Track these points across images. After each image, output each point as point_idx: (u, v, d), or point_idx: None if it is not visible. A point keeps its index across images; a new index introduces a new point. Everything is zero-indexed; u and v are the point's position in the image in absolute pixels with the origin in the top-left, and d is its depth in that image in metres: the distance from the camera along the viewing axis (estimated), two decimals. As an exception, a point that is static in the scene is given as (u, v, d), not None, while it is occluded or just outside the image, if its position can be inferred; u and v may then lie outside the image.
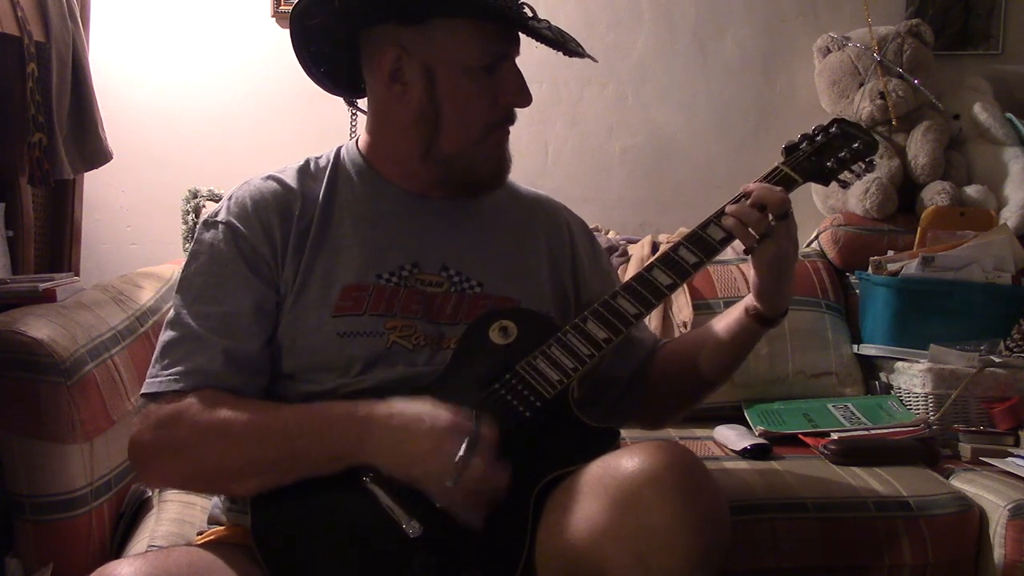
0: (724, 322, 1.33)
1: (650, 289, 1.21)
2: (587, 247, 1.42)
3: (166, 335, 1.18)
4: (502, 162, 1.27)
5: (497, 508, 1.06)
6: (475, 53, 1.19)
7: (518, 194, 1.39)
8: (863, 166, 1.35)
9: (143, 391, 1.17)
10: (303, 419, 1.09)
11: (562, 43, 1.24)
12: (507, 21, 1.18)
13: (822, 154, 1.35)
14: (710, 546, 0.98)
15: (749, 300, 1.29)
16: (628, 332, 1.20)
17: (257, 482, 1.10)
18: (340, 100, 2.12)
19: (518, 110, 1.25)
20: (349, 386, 1.18)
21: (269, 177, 1.28)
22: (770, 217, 1.22)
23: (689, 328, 2.02)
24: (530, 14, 1.21)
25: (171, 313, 1.20)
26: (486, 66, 1.20)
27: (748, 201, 1.24)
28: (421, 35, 1.19)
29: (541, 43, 1.23)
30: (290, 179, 1.28)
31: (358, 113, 1.35)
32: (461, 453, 1.02)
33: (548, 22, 1.26)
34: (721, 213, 1.27)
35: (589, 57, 1.28)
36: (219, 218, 1.23)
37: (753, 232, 1.23)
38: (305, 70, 1.31)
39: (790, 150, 1.36)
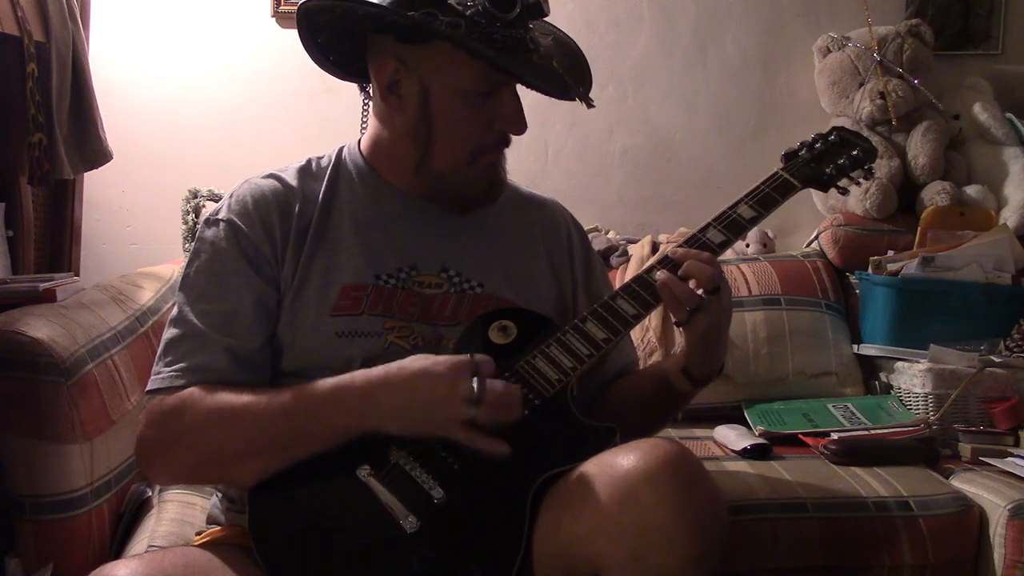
0: (663, 374, 1.30)
1: (649, 291, 1.21)
2: (582, 255, 1.41)
3: (169, 333, 1.19)
4: (494, 183, 1.27)
5: (496, 512, 1.06)
6: (472, 79, 1.19)
7: (519, 195, 1.39)
8: (862, 173, 1.35)
9: (147, 388, 1.17)
10: (301, 395, 1.10)
11: (561, 87, 1.21)
12: (496, 63, 1.15)
13: (821, 161, 1.35)
14: (707, 544, 0.98)
15: (680, 359, 1.26)
16: (627, 333, 1.19)
17: (259, 463, 1.10)
18: (341, 100, 2.14)
19: (521, 134, 1.24)
20: None
21: (270, 175, 1.28)
22: (701, 291, 1.19)
23: None
24: (533, 45, 1.19)
25: (174, 311, 1.20)
26: (483, 91, 1.20)
27: (679, 272, 1.19)
28: (420, 54, 1.19)
29: (533, 90, 1.20)
30: (290, 178, 1.28)
31: (369, 103, 1.34)
32: (476, 383, 1.05)
33: (558, 38, 1.25)
34: (720, 217, 1.27)
35: (586, 102, 1.25)
36: (220, 216, 1.24)
37: (684, 306, 1.19)
38: (314, 60, 1.31)
39: (789, 156, 1.37)
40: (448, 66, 1.18)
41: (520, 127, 1.23)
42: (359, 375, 1.11)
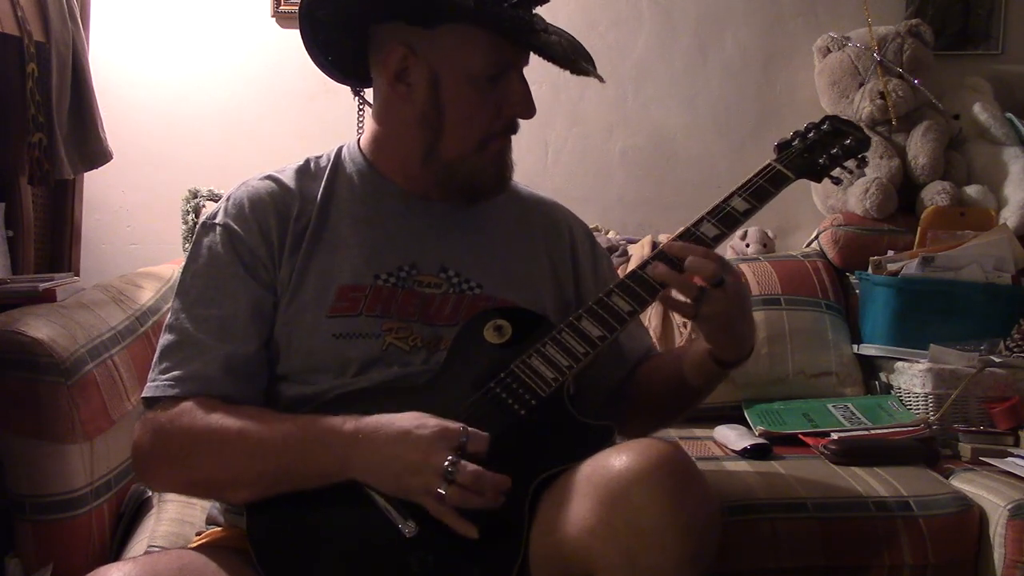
0: (691, 358, 1.28)
1: (644, 287, 1.20)
2: (588, 252, 1.41)
3: (164, 339, 1.18)
4: (503, 170, 1.27)
5: (494, 513, 1.05)
6: (482, 62, 1.19)
7: (519, 196, 1.39)
8: (855, 163, 1.35)
9: (142, 395, 1.17)
10: (291, 434, 1.09)
11: (571, 60, 1.23)
12: (515, 35, 1.16)
13: (814, 151, 1.34)
14: (700, 544, 0.98)
15: (706, 347, 1.25)
16: (623, 329, 1.19)
17: (249, 492, 1.10)
18: (341, 100, 2.13)
19: (530, 118, 1.25)
20: (344, 387, 1.18)
21: (267, 177, 1.28)
22: (703, 283, 1.17)
23: (688, 328, 2.02)
24: (541, 25, 1.20)
25: (169, 316, 1.20)
26: (492, 75, 1.20)
27: (685, 264, 1.17)
28: (429, 38, 1.19)
29: (550, 61, 1.22)
30: (288, 179, 1.28)
31: (366, 107, 1.34)
32: (449, 460, 1.02)
33: (559, 33, 1.26)
34: (714, 211, 1.26)
35: (596, 76, 1.26)
36: (216, 220, 1.23)
37: (686, 299, 1.18)
38: (313, 59, 1.30)
39: (782, 147, 1.36)
40: (458, 49, 1.18)
41: (529, 110, 1.23)
42: (351, 422, 1.08)
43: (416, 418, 1.07)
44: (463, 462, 1.02)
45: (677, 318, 2.06)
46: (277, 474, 1.08)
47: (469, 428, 1.05)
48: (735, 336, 1.22)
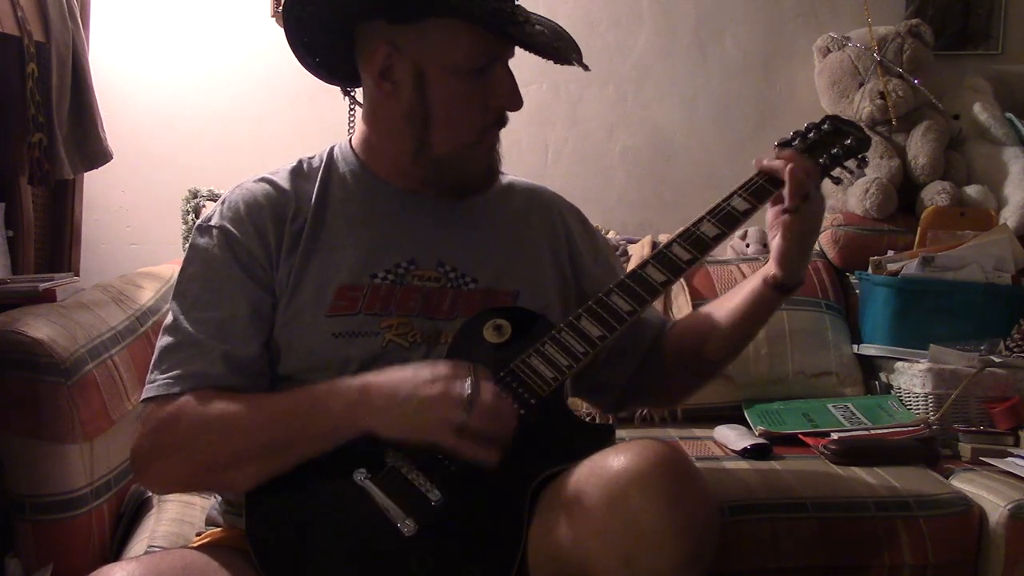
0: (739, 295, 1.30)
1: (644, 286, 1.20)
2: (584, 235, 1.41)
3: (163, 340, 1.18)
4: (492, 165, 1.27)
5: (494, 513, 1.05)
6: (466, 55, 1.19)
7: (511, 186, 1.39)
8: (856, 163, 1.35)
9: (143, 396, 1.17)
10: (298, 396, 1.11)
11: (554, 48, 1.23)
12: (497, 26, 1.16)
13: (815, 150, 1.34)
14: (699, 546, 0.98)
15: (768, 269, 1.27)
16: (622, 330, 1.18)
17: (256, 467, 1.10)
18: (340, 100, 2.13)
19: (517, 110, 1.25)
20: None
21: (262, 179, 1.28)
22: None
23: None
24: (523, 16, 1.20)
25: (168, 319, 1.20)
26: (478, 68, 1.20)
27: (787, 172, 1.22)
28: (413, 34, 1.19)
29: (532, 53, 1.22)
30: (283, 181, 1.27)
31: (356, 106, 1.34)
32: (469, 384, 1.04)
33: (542, 22, 1.25)
34: (714, 210, 1.26)
35: (582, 66, 1.26)
36: (213, 223, 1.23)
37: (802, 191, 1.21)
38: (299, 60, 1.30)
39: (783, 146, 1.36)
40: (442, 43, 1.18)
41: (516, 102, 1.23)
42: (359, 376, 1.11)
43: (423, 363, 1.10)
44: (483, 381, 1.06)
45: (677, 318, 2.05)
46: (285, 439, 1.09)
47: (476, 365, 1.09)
48: (808, 252, 1.28)
